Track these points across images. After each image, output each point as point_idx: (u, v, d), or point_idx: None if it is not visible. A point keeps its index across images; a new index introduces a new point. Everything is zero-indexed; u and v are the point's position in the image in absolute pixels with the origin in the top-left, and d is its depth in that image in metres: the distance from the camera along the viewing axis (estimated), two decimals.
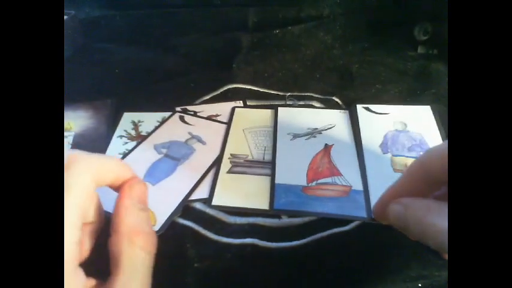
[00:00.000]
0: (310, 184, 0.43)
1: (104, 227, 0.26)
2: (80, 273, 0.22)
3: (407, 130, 0.48)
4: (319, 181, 0.43)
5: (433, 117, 0.50)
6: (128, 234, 0.23)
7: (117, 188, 0.26)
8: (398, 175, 0.42)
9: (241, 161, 0.46)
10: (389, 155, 0.45)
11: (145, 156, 0.47)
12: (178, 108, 0.55)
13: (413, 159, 0.44)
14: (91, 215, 0.25)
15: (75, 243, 0.22)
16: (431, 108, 0.51)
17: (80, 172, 0.23)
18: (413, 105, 0.52)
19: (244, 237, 0.38)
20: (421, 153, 0.25)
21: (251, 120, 0.52)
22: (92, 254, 0.25)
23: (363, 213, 0.39)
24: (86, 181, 0.23)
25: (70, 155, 0.23)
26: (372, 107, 0.52)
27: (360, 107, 0.52)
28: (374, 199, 0.40)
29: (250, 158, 0.47)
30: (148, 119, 0.54)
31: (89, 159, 0.24)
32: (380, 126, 0.49)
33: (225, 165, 0.46)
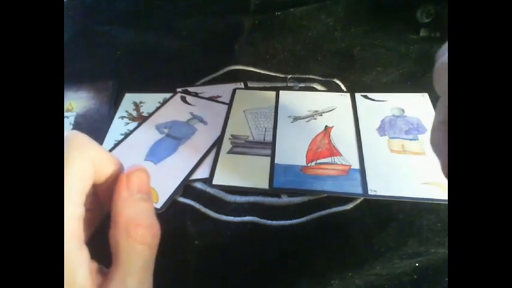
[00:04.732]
0: (309, 164, 0.43)
1: (105, 218, 0.25)
2: (85, 251, 0.22)
3: (405, 115, 0.49)
4: (319, 161, 0.43)
5: (430, 103, 0.50)
6: (125, 227, 0.22)
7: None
8: (394, 155, 0.43)
9: (242, 141, 0.47)
10: (386, 137, 0.46)
11: (147, 136, 0.48)
12: (179, 89, 0.55)
13: (410, 141, 0.44)
14: (88, 201, 0.24)
15: (77, 219, 0.21)
16: (429, 95, 0.51)
17: (82, 149, 0.22)
18: (410, 93, 0.52)
19: (244, 216, 0.39)
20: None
21: (252, 101, 0.53)
22: (93, 242, 0.25)
23: (359, 190, 0.40)
24: (84, 158, 0.23)
25: (73, 132, 0.23)
26: (370, 95, 0.52)
27: (358, 95, 0.53)
28: (370, 177, 0.41)
29: (250, 138, 0.47)
30: (149, 100, 0.54)
31: (90, 141, 0.23)
32: (377, 112, 0.50)
33: (226, 145, 0.46)
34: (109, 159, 0.25)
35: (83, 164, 0.22)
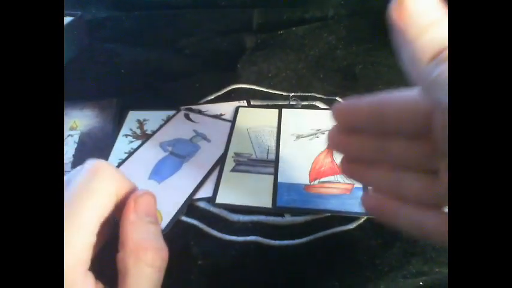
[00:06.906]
0: (312, 183, 0.43)
1: (112, 241, 0.25)
2: (90, 277, 0.22)
3: None
4: (322, 180, 0.43)
5: None
6: (134, 251, 0.22)
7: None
8: None
9: (245, 159, 0.47)
10: None
11: (151, 154, 0.48)
12: (183, 107, 0.56)
13: None
14: (103, 229, 0.24)
15: (89, 248, 0.22)
16: None
17: (106, 180, 0.23)
18: None
19: (248, 235, 0.39)
20: None
21: (255, 119, 0.53)
22: (100, 262, 0.24)
23: (362, 209, 0.40)
24: (110, 190, 0.23)
25: (100, 163, 0.24)
26: None
27: None
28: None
29: (253, 157, 0.47)
30: (153, 118, 0.54)
31: (115, 171, 0.24)
32: None
33: (229, 163, 0.46)
34: (130, 188, 0.25)
35: (106, 197, 0.23)
